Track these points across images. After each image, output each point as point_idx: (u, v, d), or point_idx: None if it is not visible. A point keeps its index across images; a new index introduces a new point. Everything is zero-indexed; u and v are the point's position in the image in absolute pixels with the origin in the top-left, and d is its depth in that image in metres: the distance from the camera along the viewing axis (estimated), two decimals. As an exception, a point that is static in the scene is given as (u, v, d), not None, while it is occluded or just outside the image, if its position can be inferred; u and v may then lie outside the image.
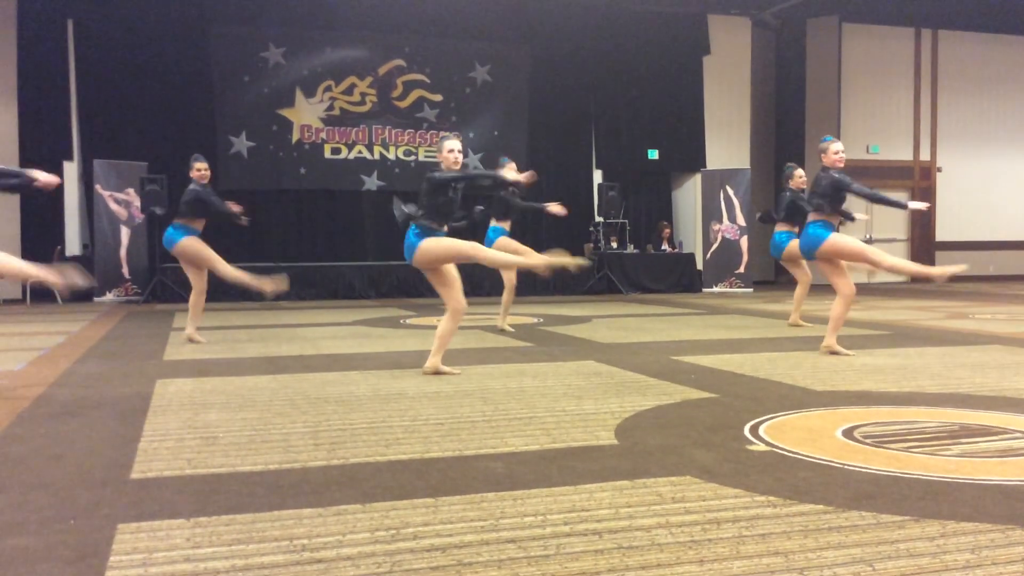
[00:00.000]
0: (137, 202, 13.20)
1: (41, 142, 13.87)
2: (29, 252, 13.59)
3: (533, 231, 16.53)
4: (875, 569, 2.30)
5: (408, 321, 10.04)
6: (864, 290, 15.98)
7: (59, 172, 13.88)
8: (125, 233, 13.43)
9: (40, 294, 13.13)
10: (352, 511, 2.82)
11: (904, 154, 18.68)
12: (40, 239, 13.60)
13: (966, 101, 18.84)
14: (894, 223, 18.62)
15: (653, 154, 16.97)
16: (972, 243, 18.86)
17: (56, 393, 5.14)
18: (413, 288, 14.25)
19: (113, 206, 13.39)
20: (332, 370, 6.00)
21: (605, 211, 15.45)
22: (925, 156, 18.71)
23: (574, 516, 2.76)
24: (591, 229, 15.90)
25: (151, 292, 13.14)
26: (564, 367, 6.04)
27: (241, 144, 14.82)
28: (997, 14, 17.53)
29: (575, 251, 15.87)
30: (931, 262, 18.74)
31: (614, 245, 15.58)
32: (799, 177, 8.86)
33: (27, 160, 13.79)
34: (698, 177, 16.35)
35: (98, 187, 13.31)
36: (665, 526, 2.66)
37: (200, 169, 7.63)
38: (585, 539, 2.55)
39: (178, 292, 12.95)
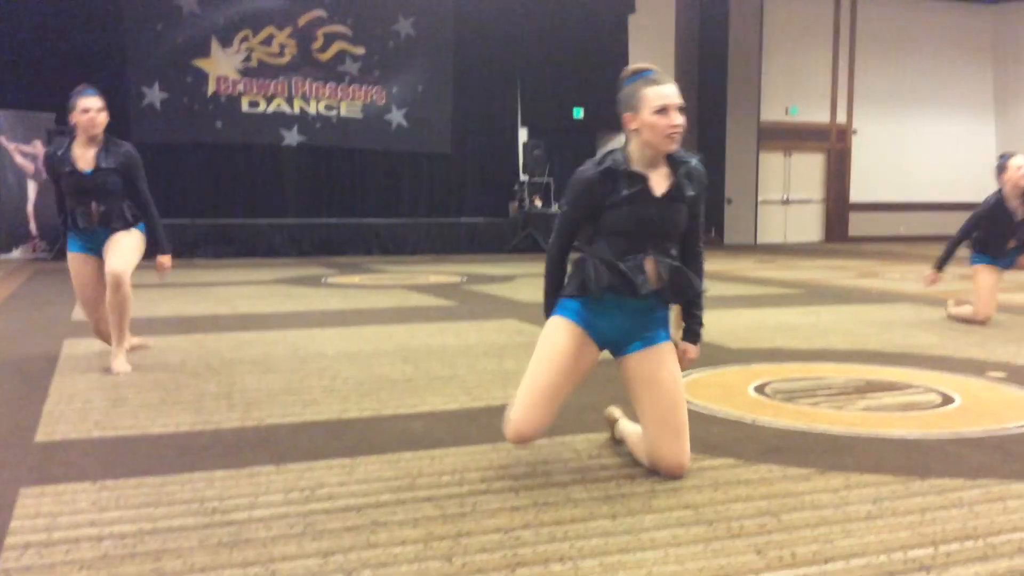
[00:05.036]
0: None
1: (-60, 91, 13.16)
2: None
3: (457, 191, 16.44)
4: (780, 520, 2.37)
5: (329, 280, 9.90)
6: (780, 250, 16.38)
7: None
8: (32, 187, 12.90)
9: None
10: (265, 472, 2.78)
11: (822, 116, 19.07)
12: (-60, 193, 12.96)
13: (882, 64, 19.27)
14: (810, 184, 19.06)
15: (578, 112, 16.97)
16: (884, 204, 19.44)
17: (-44, 354, 4.94)
18: (335, 246, 14.06)
19: (19, 159, 12.83)
20: (249, 330, 5.88)
21: (530, 169, 15.43)
22: (842, 119, 19.13)
23: (491, 474, 2.77)
24: (516, 187, 15.87)
25: (59, 249, 12.65)
26: (486, 326, 6.04)
27: (154, 95, 14.31)
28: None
29: (500, 209, 15.94)
30: (845, 223, 19.31)
31: (538, 204, 15.59)
32: (1016, 168, 6.00)
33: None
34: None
35: (3, 139, 12.73)
36: (581, 482, 2.69)
37: (88, 110, 4.47)
38: (501, 496, 2.56)
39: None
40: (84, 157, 4.47)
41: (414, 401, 3.79)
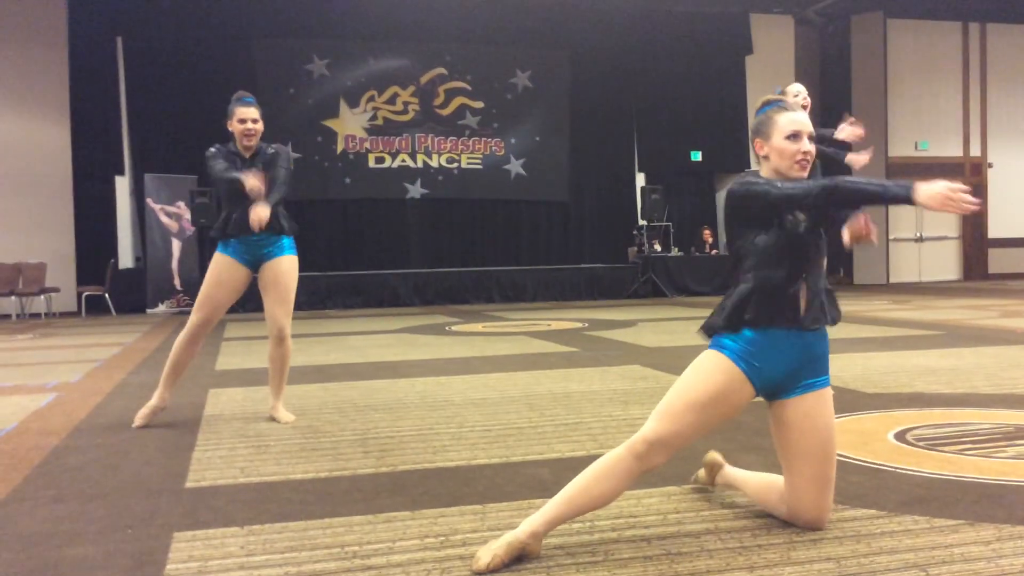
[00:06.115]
0: (187, 215, 13.48)
1: (93, 157, 14.23)
2: (84, 266, 13.95)
3: (576, 237, 16.53)
4: (929, 574, 2.27)
5: (453, 328, 10.09)
6: (915, 289, 15.71)
7: (111, 186, 14.25)
8: (176, 245, 13.70)
9: (95, 307, 13.43)
10: (401, 518, 2.85)
11: (954, 150, 18.33)
12: (94, 253, 13.93)
13: (1016, 95, 18.42)
14: (944, 220, 18.28)
15: (696, 155, 16.88)
16: (1026, 240, 18.44)
17: (111, 404, 5.26)
18: (458, 295, 14.32)
19: (164, 219, 13.68)
20: (379, 378, 6.05)
21: (648, 214, 15.40)
22: (975, 152, 18.34)
23: (622, 522, 2.75)
24: (635, 232, 15.85)
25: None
26: (610, 372, 6.02)
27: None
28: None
29: (619, 255, 15.92)
30: (984, 260, 18.39)
31: (658, 248, 15.51)
32: None
33: (79, 175, 14.18)
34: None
35: (149, 201, 13.62)
36: (714, 532, 2.65)
37: (244, 120, 4.68)
38: (633, 545, 2.55)
39: (227, 302, 13.17)
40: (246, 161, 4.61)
41: (541, 448, 3.81)
